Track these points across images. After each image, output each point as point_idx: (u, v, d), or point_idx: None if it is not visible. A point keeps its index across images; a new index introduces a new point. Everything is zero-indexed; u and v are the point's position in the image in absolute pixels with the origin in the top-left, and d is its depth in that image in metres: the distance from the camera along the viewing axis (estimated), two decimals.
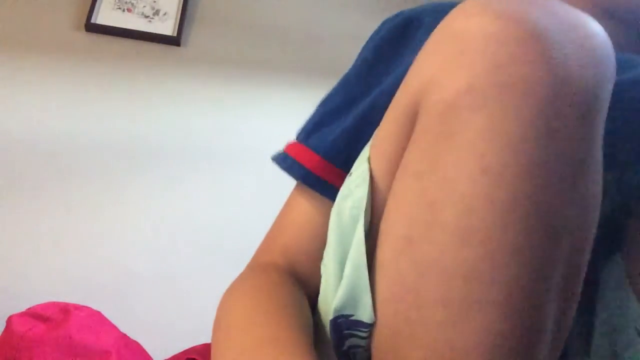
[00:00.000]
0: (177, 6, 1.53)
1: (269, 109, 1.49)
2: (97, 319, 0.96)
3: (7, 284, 1.10)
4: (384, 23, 0.50)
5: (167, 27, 1.50)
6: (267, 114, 1.48)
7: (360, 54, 0.50)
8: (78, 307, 0.95)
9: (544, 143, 0.26)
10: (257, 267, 0.44)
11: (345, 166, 0.43)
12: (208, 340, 0.98)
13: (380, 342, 0.31)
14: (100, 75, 1.41)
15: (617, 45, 0.43)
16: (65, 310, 0.93)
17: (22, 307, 0.94)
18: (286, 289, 0.40)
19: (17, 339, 0.86)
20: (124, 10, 1.49)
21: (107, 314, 0.99)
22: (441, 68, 0.29)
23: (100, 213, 1.23)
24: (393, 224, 0.31)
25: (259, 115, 1.47)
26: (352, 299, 0.34)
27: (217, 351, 0.33)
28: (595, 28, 0.28)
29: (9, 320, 0.91)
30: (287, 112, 1.49)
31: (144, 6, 1.51)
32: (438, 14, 0.32)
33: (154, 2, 1.53)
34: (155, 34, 1.47)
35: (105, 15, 1.46)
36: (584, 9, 0.43)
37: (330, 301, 0.36)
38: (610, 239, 0.40)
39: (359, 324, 0.33)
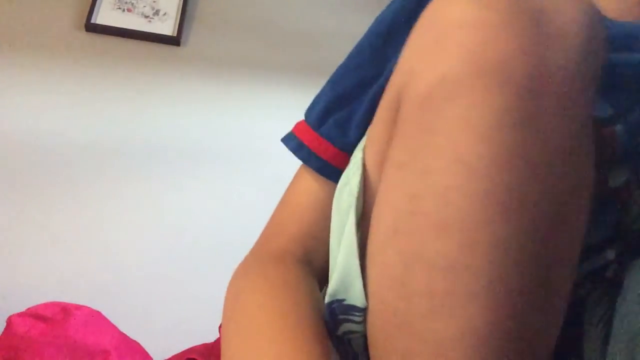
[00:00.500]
0: (177, 6, 1.53)
1: (269, 109, 1.49)
2: (97, 319, 0.96)
3: (7, 284, 1.10)
4: (392, 2, 0.47)
5: (167, 27, 1.50)
6: (267, 114, 1.48)
7: (373, 27, 0.47)
8: (78, 307, 0.95)
9: (520, 132, 0.25)
10: (269, 255, 0.43)
11: None
12: (208, 340, 0.97)
13: (372, 329, 0.32)
14: (100, 75, 1.41)
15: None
16: (65, 310, 0.93)
17: (22, 307, 0.94)
18: (304, 286, 0.39)
19: (17, 339, 0.86)
20: (124, 10, 1.49)
21: (107, 314, 0.99)
22: (419, 58, 0.29)
23: (100, 213, 1.23)
24: (381, 214, 0.31)
25: (259, 115, 1.47)
26: (344, 283, 0.34)
27: (234, 356, 0.33)
28: (578, 10, 0.27)
29: (9, 320, 0.90)
30: (287, 112, 1.49)
31: (144, 6, 1.51)
32: None
33: (154, 2, 1.53)
34: (155, 34, 1.47)
35: (105, 15, 1.46)
36: None
37: None
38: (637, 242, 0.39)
39: (353, 308, 0.34)
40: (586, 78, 0.27)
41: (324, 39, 1.64)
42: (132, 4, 1.51)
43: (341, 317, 0.35)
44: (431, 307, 0.27)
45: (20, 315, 0.92)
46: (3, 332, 0.89)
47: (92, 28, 1.44)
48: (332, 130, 0.44)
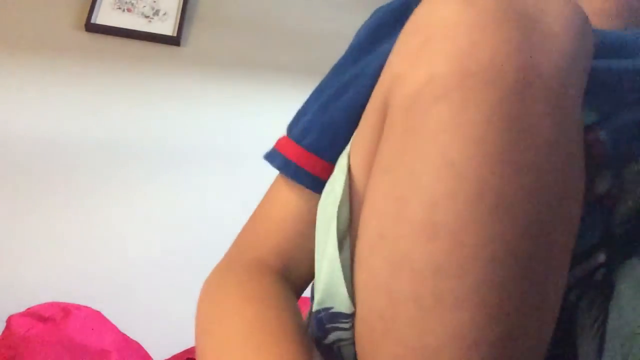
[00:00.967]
0: (177, 6, 1.53)
1: (269, 109, 1.49)
2: (97, 319, 0.96)
3: (7, 284, 1.10)
4: (378, 9, 0.47)
5: (167, 27, 1.50)
6: (267, 114, 1.48)
7: (352, 41, 0.47)
8: (78, 307, 0.95)
9: (508, 133, 0.25)
10: (244, 266, 0.42)
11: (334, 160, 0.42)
12: None
13: (359, 335, 0.31)
14: (100, 75, 1.41)
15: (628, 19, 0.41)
16: (65, 310, 0.93)
17: (22, 307, 0.94)
18: (283, 297, 0.38)
19: (17, 339, 0.86)
20: (124, 10, 1.49)
21: (107, 314, 0.99)
22: (406, 60, 0.28)
23: (100, 213, 1.23)
24: (368, 220, 0.30)
25: (259, 115, 1.47)
26: (329, 291, 0.33)
27: None
28: (568, 12, 0.27)
29: (9, 320, 0.90)
30: (287, 111, 1.48)
31: (144, 6, 1.51)
32: None
33: (154, 2, 1.53)
34: (155, 34, 1.47)
35: (105, 15, 1.46)
36: None
37: None
38: (637, 236, 0.38)
39: (340, 315, 0.33)
40: (575, 79, 0.26)
41: (324, 39, 1.64)
42: (132, 4, 1.51)
43: (329, 325, 0.34)
44: (418, 311, 0.26)
45: (20, 315, 0.92)
46: (3, 332, 0.89)
47: (92, 28, 1.44)
48: (319, 142, 0.42)
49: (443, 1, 0.27)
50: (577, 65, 0.27)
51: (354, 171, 0.35)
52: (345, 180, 0.35)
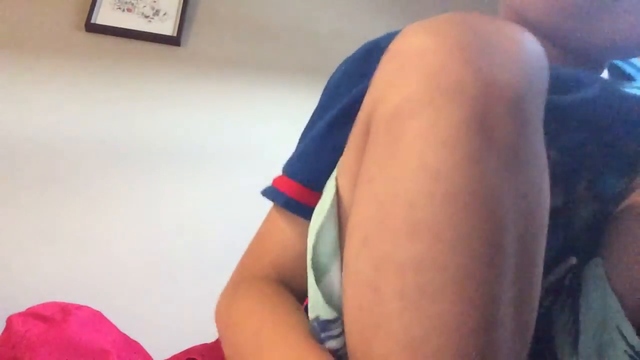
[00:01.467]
0: (177, 6, 1.53)
1: (269, 109, 1.49)
2: (97, 319, 0.96)
3: (7, 284, 1.10)
4: (344, 62, 0.52)
5: (167, 27, 1.50)
6: (267, 114, 1.48)
7: (323, 91, 0.52)
8: (78, 307, 0.95)
9: (477, 140, 0.28)
10: (253, 279, 0.47)
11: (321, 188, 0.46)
12: (208, 340, 0.98)
13: (350, 337, 0.33)
14: (100, 75, 1.41)
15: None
16: (65, 310, 0.93)
17: (22, 307, 0.94)
18: (292, 299, 0.43)
19: (17, 339, 0.86)
20: (124, 10, 1.49)
21: (107, 314, 0.99)
22: (385, 84, 0.32)
23: (100, 213, 1.23)
24: (353, 228, 0.33)
25: (258, 115, 1.47)
26: (313, 300, 0.37)
27: None
28: (521, 37, 0.31)
29: (9, 320, 0.91)
30: (286, 111, 1.49)
31: (144, 6, 1.51)
32: (392, 37, 0.34)
33: (154, 2, 1.53)
34: (155, 34, 1.47)
35: (105, 15, 1.46)
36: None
37: None
38: (592, 241, 0.43)
39: (327, 322, 0.36)
40: (533, 94, 0.30)
41: (324, 39, 1.64)
42: (132, 4, 1.51)
43: (323, 335, 0.37)
44: (403, 306, 0.29)
45: (20, 315, 0.92)
46: (3, 332, 0.89)
47: (92, 28, 1.44)
48: (313, 176, 0.47)
49: (414, 32, 0.31)
50: (535, 82, 0.31)
51: (342, 192, 0.38)
52: (333, 200, 0.38)
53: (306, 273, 0.40)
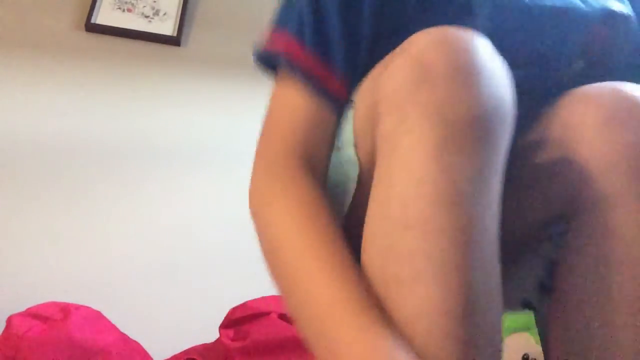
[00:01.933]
0: (177, 6, 1.53)
1: None
2: (97, 319, 0.96)
3: (7, 284, 1.10)
4: None
5: (167, 27, 1.50)
6: None
7: None
8: (78, 307, 0.95)
9: (456, 154, 0.36)
10: (282, 164, 0.46)
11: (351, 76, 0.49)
12: (208, 340, 0.98)
13: None
14: (100, 75, 1.41)
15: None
16: (65, 310, 0.93)
17: (22, 307, 0.94)
18: (328, 205, 0.45)
19: (17, 339, 0.86)
20: (124, 10, 1.49)
21: (107, 314, 0.99)
22: (384, 105, 0.39)
23: (100, 212, 1.23)
24: (366, 224, 0.40)
25: (259, 115, 1.47)
26: None
27: (291, 295, 0.40)
28: (497, 65, 0.38)
29: (9, 320, 0.91)
30: None
31: (144, 6, 1.51)
32: None
33: (154, 2, 1.53)
34: (155, 34, 1.47)
35: (105, 15, 1.46)
36: None
37: None
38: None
39: None
40: (498, 122, 0.37)
41: None
42: (132, 4, 1.51)
43: None
44: (400, 289, 0.35)
45: (20, 315, 0.92)
46: (3, 332, 0.89)
47: (92, 28, 1.44)
48: (333, 56, 0.48)
49: (401, 68, 0.38)
50: (505, 106, 0.38)
51: (362, 160, 0.46)
52: (358, 173, 0.46)
53: (329, 147, 0.48)
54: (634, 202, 0.42)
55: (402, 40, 0.41)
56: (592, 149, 0.43)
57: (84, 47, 1.43)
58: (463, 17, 0.50)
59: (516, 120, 0.40)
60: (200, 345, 0.97)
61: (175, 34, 1.49)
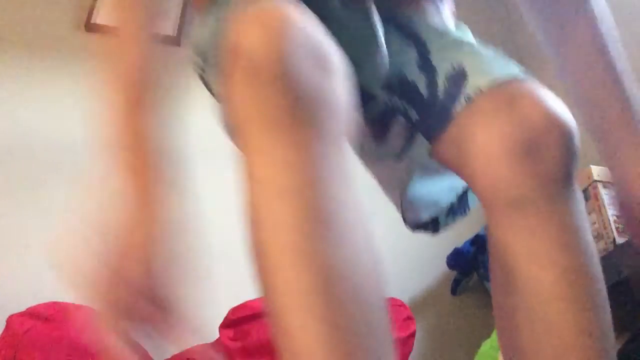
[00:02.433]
0: (177, 6, 1.53)
1: None
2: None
3: (7, 284, 1.10)
4: None
5: (167, 27, 1.50)
6: None
7: None
8: (78, 307, 0.95)
9: (282, 145, 0.45)
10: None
11: None
12: (208, 340, 0.98)
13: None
14: (100, 75, 1.40)
15: None
16: (65, 310, 0.93)
17: (22, 307, 0.94)
18: None
19: (17, 339, 0.86)
20: None
21: None
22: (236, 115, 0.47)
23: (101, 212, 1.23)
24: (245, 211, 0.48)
25: None
26: None
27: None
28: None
29: (9, 320, 0.91)
30: None
31: None
32: None
33: None
34: (155, 34, 1.47)
35: (105, 15, 1.46)
36: None
37: None
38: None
39: None
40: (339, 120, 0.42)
41: None
42: None
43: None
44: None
45: (20, 315, 0.92)
46: (3, 332, 0.89)
47: (92, 28, 1.44)
48: None
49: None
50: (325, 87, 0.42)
51: None
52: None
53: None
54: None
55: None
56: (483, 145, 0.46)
57: (84, 47, 1.43)
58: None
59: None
60: (200, 345, 0.97)
61: (175, 34, 1.49)
